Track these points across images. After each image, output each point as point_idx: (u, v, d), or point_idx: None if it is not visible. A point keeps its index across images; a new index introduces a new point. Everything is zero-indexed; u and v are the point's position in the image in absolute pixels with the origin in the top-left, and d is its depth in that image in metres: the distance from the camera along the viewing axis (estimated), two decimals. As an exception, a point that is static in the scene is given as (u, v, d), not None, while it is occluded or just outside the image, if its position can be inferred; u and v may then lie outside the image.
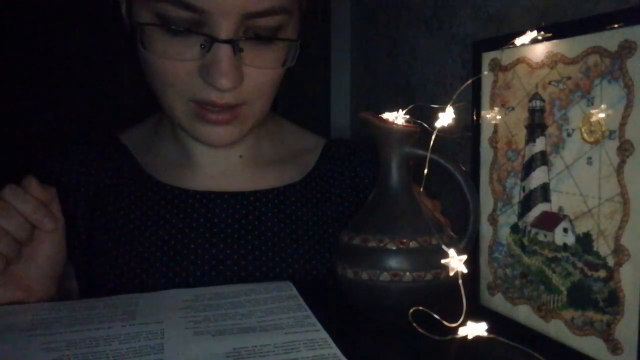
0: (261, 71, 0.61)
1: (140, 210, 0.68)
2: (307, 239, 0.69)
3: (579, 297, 0.42)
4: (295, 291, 0.56)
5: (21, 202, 0.55)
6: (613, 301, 0.40)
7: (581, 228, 0.42)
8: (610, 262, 0.40)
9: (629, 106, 0.38)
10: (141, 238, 0.66)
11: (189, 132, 0.65)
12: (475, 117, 0.52)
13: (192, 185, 0.70)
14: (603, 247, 0.40)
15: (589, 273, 0.41)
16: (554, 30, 0.44)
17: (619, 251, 0.39)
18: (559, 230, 0.44)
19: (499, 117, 0.49)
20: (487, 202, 0.51)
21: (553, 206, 0.44)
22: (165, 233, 0.66)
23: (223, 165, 0.72)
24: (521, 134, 0.47)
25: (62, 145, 0.74)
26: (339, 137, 0.84)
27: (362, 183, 0.76)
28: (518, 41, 0.46)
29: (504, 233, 0.50)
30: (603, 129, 0.40)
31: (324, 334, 0.45)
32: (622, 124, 0.38)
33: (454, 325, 0.44)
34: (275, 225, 0.69)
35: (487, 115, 0.50)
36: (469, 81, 0.51)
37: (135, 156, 0.72)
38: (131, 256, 0.65)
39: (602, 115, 0.40)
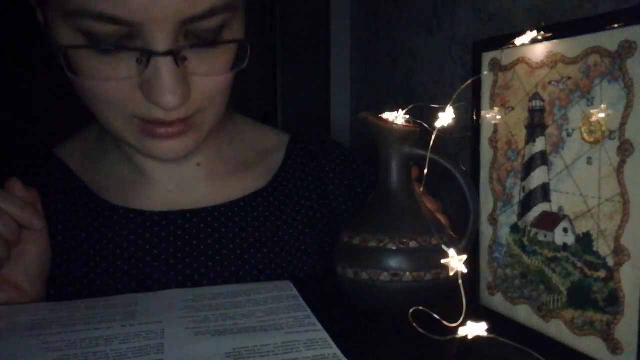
0: (210, 78, 0.55)
1: (93, 238, 0.63)
2: (277, 248, 0.67)
3: (579, 297, 0.42)
4: (295, 291, 0.56)
5: (8, 203, 0.54)
6: (613, 301, 0.40)
7: (581, 228, 0.42)
8: (610, 262, 0.40)
9: (629, 106, 0.38)
10: (99, 269, 0.62)
11: (137, 148, 0.59)
12: (475, 117, 0.52)
13: (148, 204, 0.65)
14: (603, 247, 0.40)
15: (589, 273, 0.41)
16: (554, 30, 0.43)
17: (619, 251, 0.39)
18: (559, 230, 0.44)
19: (499, 117, 0.49)
20: (487, 202, 0.51)
21: (553, 206, 0.44)
22: (125, 263, 0.62)
23: (180, 177, 0.67)
24: (521, 134, 0.47)
25: None
26: (303, 133, 0.79)
27: (331, 183, 0.73)
28: (518, 41, 0.46)
29: (504, 233, 0.50)
30: (603, 129, 0.40)
31: (324, 334, 0.45)
32: (622, 124, 0.38)
33: (454, 325, 0.44)
34: (245, 241, 0.65)
35: (487, 115, 0.50)
36: (469, 81, 0.51)
37: (78, 174, 0.66)
38: (98, 289, 0.61)
39: (602, 115, 0.39)
